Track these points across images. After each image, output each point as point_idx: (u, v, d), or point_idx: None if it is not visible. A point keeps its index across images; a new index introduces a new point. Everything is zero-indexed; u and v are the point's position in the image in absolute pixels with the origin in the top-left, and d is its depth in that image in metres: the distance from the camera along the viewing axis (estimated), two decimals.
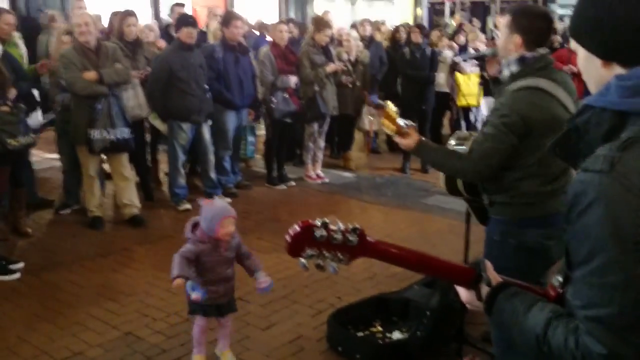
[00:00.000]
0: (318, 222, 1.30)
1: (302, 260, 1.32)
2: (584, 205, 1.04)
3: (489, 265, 1.41)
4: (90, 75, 5.02)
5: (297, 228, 1.30)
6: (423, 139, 2.64)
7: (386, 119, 2.65)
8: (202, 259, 3.05)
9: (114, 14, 6.31)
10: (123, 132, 5.18)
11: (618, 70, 1.13)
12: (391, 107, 2.63)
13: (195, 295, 3.06)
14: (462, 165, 2.55)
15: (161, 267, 4.61)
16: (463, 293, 1.46)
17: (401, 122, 2.62)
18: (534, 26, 2.46)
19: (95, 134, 5.06)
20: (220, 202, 3.14)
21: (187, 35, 5.65)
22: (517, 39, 2.45)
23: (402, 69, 7.53)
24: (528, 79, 2.43)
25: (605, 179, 1.02)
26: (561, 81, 2.48)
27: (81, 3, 7.02)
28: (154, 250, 5.00)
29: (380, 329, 3.60)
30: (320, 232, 1.29)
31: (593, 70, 1.19)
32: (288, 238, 1.31)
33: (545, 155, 2.41)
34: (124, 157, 5.45)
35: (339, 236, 1.31)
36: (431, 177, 7.35)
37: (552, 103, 2.42)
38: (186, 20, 5.82)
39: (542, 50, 2.48)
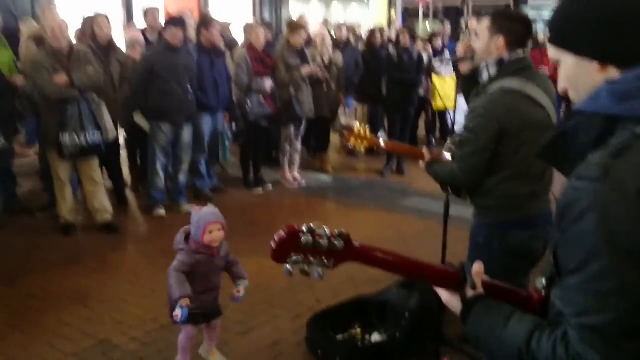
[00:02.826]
0: (304, 228, 1.28)
1: (287, 266, 1.29)
2: (578, 213, 1.03)
3: (476, 268, 1.39)
4: (61, 78, 4.94)
5: (282, 234, 1.27)
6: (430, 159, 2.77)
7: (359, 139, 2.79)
8: (196, 269, 2.99)
9: (86, 18, 6.23)
10: (94, 136, 5.10)
11: (613, 73, 1.11)
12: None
13: (177, 312, 2.87)
14: (452, 171, 2.60)
15: (135, 273, 4.56)
16: (444, 294, 1.43)
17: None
18: (516, 28, 2.49)
19: (66, 137, 4.98)
20: (208, 209, 3.06)
21: (171, 35, 5.60)
22: (500, 40, 2.47)
23: (389, 71, 7.43)
24: (505, 80, 2.45)
25: (600, 187, 1.01)
26: (540, 82, 2.51)
27: (52, 8, 6.90)
28: (127, 256, 4.93)
29: (359, 331, 3.59)
30: (306, 238, 1.27)
31: (586, 77, 1.15)
32: (273, 244, 1.27)
33: (524, 157, 2.43)
34: (94, 161, 5.36)
35: (324, 242, 1.28)
36: (407, 179, 7.40)
37: (527, 104, 2.44)
38: (173, 21, 5.79)
39: (521, 53, 2.50)
